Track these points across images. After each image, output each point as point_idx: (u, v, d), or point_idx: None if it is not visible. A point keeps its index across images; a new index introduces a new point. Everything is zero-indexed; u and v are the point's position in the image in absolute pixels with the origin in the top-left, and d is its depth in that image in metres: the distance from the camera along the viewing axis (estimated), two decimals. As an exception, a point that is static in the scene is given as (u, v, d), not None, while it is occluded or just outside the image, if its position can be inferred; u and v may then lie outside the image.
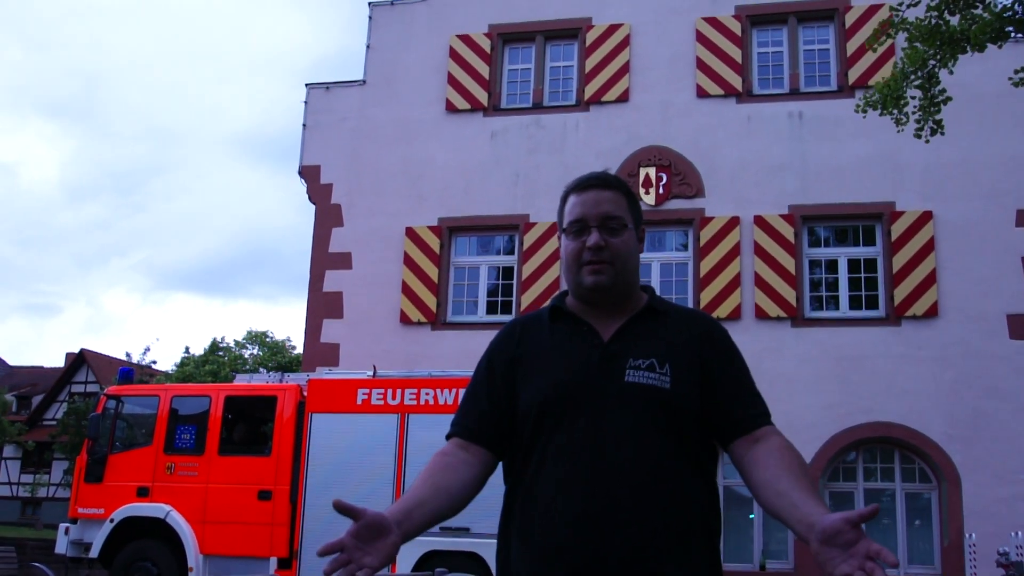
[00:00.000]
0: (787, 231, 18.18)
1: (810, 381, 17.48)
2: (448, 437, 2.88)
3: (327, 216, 20.46)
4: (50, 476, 54.07)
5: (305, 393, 14.72)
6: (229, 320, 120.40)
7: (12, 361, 73.20)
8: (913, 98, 11.48)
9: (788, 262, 18.06)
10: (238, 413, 15.33)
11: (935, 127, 11.48)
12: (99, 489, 15.17)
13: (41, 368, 68.82)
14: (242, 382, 16.22)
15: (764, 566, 17.19)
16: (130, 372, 17.32)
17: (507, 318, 19.05)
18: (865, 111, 11.89)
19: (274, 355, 45.57)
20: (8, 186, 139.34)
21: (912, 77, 11.33)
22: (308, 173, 20.76)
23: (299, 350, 21.03)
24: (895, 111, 11.51)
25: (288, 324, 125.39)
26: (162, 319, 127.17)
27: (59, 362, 66.08)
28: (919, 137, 11.65)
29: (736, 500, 17.82)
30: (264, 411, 15.09)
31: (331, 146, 20.74)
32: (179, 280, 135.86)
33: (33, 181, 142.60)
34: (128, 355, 45.93)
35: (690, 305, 18.25)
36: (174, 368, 46.26)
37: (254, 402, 15.27)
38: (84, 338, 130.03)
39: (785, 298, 17.91)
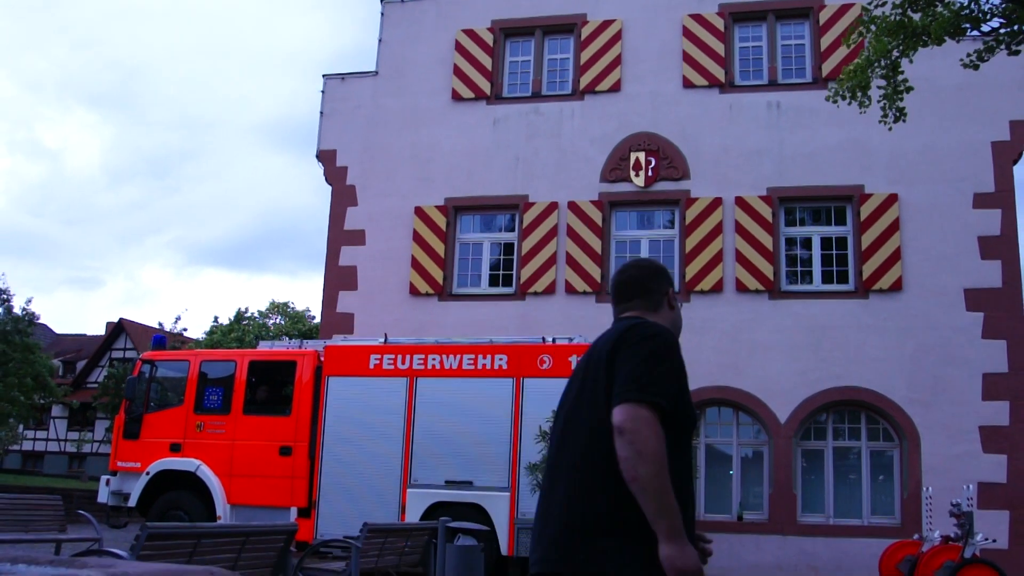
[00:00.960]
0: (765, 211, 18.32)
1: (785, 349, 17.70)
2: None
3: (342, 196, 20.62)
4: (93, 433, 54.46)
5: (322, 358, 14.87)
6: (254, 292, 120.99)
7: (58, 330, 73.41)
8: (880, 87, 11.56)
9: (766, 239, 18.22)
10: (261, 376, 15.52)
11: (898, 114, 11.58)
12: (136, 445, 15.46)
13: (84, 336, 69.06)
14: (265, 348, 16.24)
15: (741, 517, 17.42)
16: (163, 339, 17.47)
17: (508, 290, 19.27)
18: (836, 100, 11.96)
19: (295, 324, 45.69)
20: (55, 171, 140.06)
21: (876, 67, 11.42)
22: (325, 157, 20.90)
23: (318, 319, 21.07)
24: (861, 96, 11.57)
25: (308, 295, 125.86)
26: (193, 291, 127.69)
27: (100, 330, 66.33)
28: (884, 123, 11.74)
29: (716, 456, 18.04)
30: (285, 375, 15.30)
31: (346, 132, 20.89)
32: (209, 256, 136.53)
33: (77, 166, 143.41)
34: (161, 324, 46.02)
35: (676, 279, 18.40)
36: (204, 336, 46.43)
37: (276, 366, 15.48)
38: (123, 309, 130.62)
39: (763, 273, 18.07)
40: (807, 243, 18.59)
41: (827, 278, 18.26)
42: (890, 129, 11.93)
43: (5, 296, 32.05)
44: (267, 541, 7.14)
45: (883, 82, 11.68)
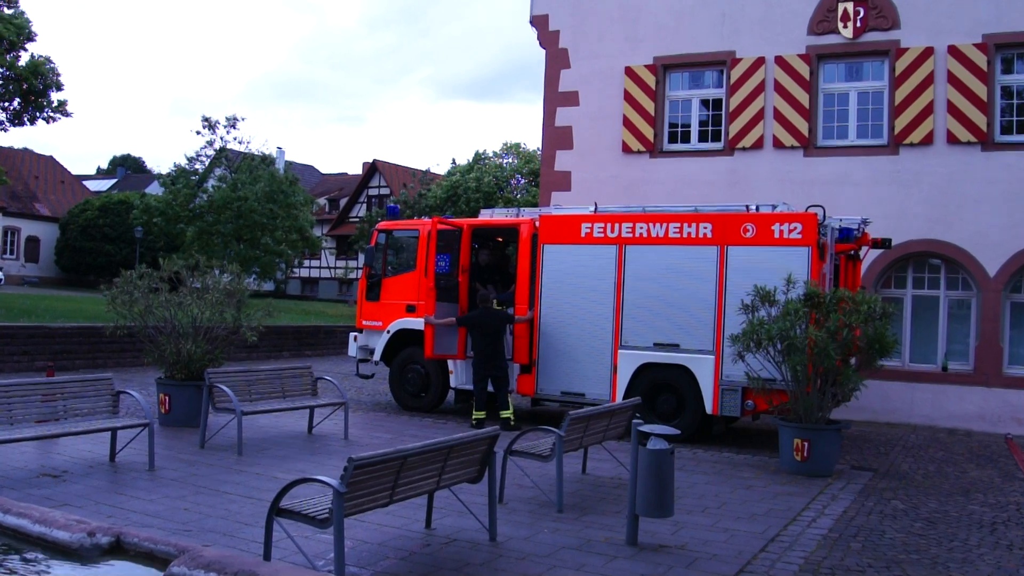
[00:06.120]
0: (980, 59, 16.20)
1: (997, 202, 15.96)
2: None
3: (556, 59, 19.80)
4: (357, 262, 57.19)
5: (538, 225, 14.40)
6: (497, 123, 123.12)
7: (323, 169, 76.92)
8: None
9: (980, 89, 16.18)
10: (483, 242, 15.22)
11: None
12: (377, 306, 15.74)
13: (345, 175, 72.20)
14: (485, 216, 15.95)
15: (946, 367, 16.21)
16: (396, 209, 17.49)
17: (717, 146, 18.19)
18: None
19: (527, 163, 45.52)
20: (320, 23, 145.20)
21: None
22: (538, 22, 20.01)
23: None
24: None
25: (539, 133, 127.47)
26: (442, 123, 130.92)
27: (358, 169, 68.84)
28: None
29: (923, 308, 16.71)
30: (505, 240, 14.97)
31: (557, -3, 19.80)
32: (456, 90, 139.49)
33: (338, 18, 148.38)
34: (411, 167, 46.90)
35: (885, 131, 16.82)
36: (446, 174, 47.05)
37: (496, 233, 15.16)
38: (382, 143, 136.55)
39: (976, 123, 16.15)
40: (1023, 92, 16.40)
41: (1046, 128, 16.10)
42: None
43: (270, 160, 33.18)
44: (470, 449, 6.94)
45: None
